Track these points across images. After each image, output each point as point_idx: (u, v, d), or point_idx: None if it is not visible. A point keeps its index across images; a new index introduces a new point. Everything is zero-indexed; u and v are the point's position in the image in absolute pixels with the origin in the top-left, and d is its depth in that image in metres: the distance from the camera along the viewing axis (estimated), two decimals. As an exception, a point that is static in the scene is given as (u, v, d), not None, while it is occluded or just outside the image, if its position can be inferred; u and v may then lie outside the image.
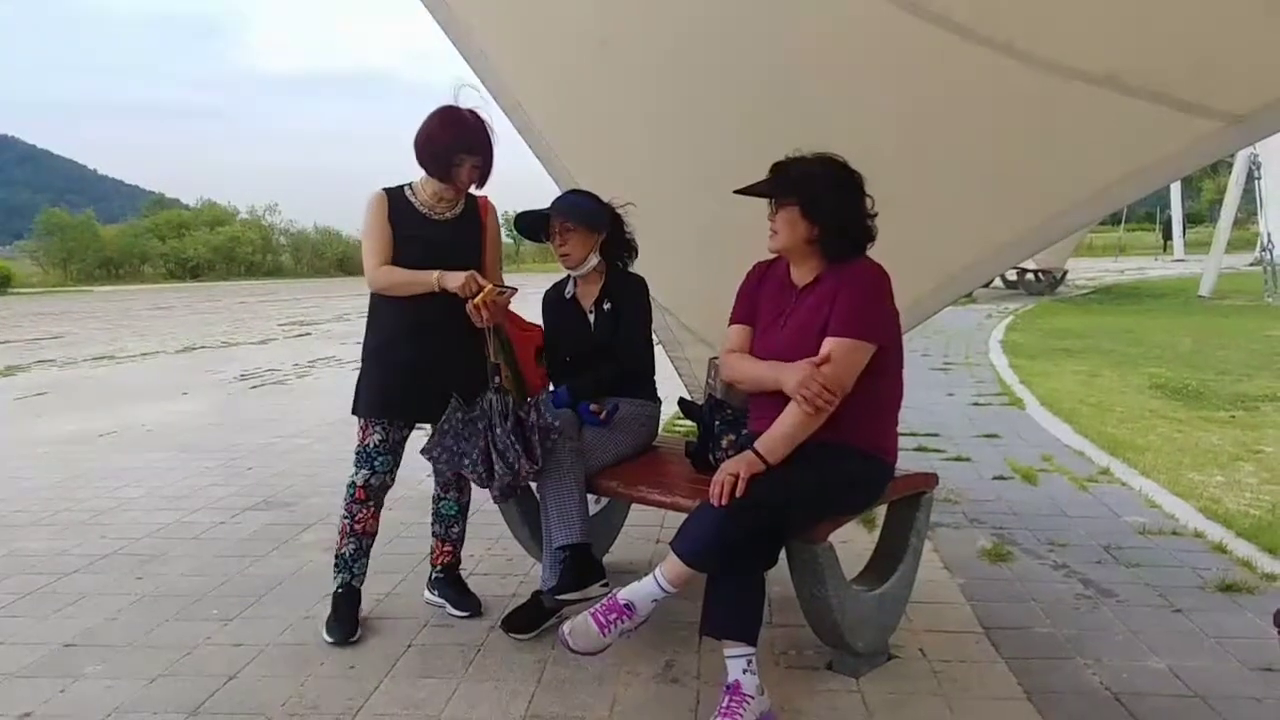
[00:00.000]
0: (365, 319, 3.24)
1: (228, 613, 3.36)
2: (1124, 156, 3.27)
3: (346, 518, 3.16)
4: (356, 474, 3.14)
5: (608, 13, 3.57)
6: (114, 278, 41.31)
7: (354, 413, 3.17)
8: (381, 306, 3.14)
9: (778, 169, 2.74)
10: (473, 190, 3.17)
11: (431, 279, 2.97)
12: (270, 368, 10.90)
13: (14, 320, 20.04)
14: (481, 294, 2.92)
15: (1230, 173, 19.58)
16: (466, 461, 3.01)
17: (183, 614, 3.36)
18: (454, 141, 3.00)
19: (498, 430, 2.97)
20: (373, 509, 3.16)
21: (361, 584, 3.21)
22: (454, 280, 2.95)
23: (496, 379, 3.06)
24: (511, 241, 40.60)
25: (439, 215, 3.12)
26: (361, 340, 3.25)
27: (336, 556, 3.19)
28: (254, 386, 9.46)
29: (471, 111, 3.04)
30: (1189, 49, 2.82)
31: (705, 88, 3.66)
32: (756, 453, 2.54)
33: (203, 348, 13.60)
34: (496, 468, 2.96)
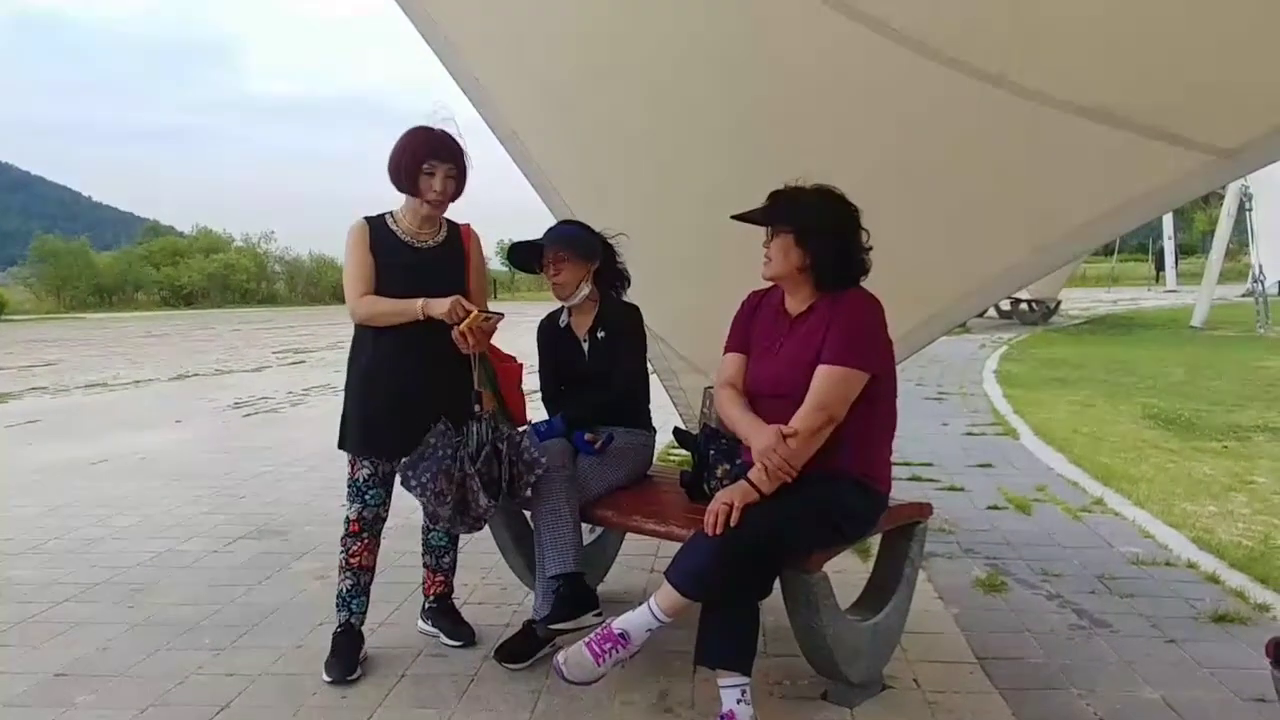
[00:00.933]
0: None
1: (219, 642, 3.34)
2: (1114, 189, 3.31)
3: (342, 552, 3.14)
4: (349, 508, 3.13)
5: (605, 41, 3.61)
6: (108, 305, 41.24)
7: (340, 448, 3.15)
8: (363, 338, 3.12)
9: (774, 198, 2.77)
10: (455, 220, 3.17)
11: (416, 307, 2.95)
12: (264, 395, 10.88)
13: (7, 347, 19.97)
14: (467, 320, 2.91)
15: (1222, 204, 19.72)
16: (414, 483, 2.93)
17: (174, 643, 3.34)
18: (420, 149, 2.99)
19: (465, 463, 2.93)
20: (367, 541, 3.14)
21: (362, 623, 3.18)
22: (440, 307, 2.92)
23: (478, 406, 3.05)
24: (507, 270, 40.66)
25: (420, 243, 3.11)
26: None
27: (337, 595, 3.17)
28: (247, 414, 9.44)
29: (442, 131, 3.03)
30: (1179, 83, 2.86)
31: (701, 117, 3.70)
32: (750, 482, 2.55)
33: (196, 375, 13.58)
34: (451, 500, 2.92)
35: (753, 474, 2.57)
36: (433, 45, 3.75)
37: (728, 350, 2.94)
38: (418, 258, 3.08)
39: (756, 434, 2.62)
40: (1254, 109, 2.85)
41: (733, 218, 2.80)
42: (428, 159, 2.99)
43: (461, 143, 3.06)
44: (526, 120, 4.06)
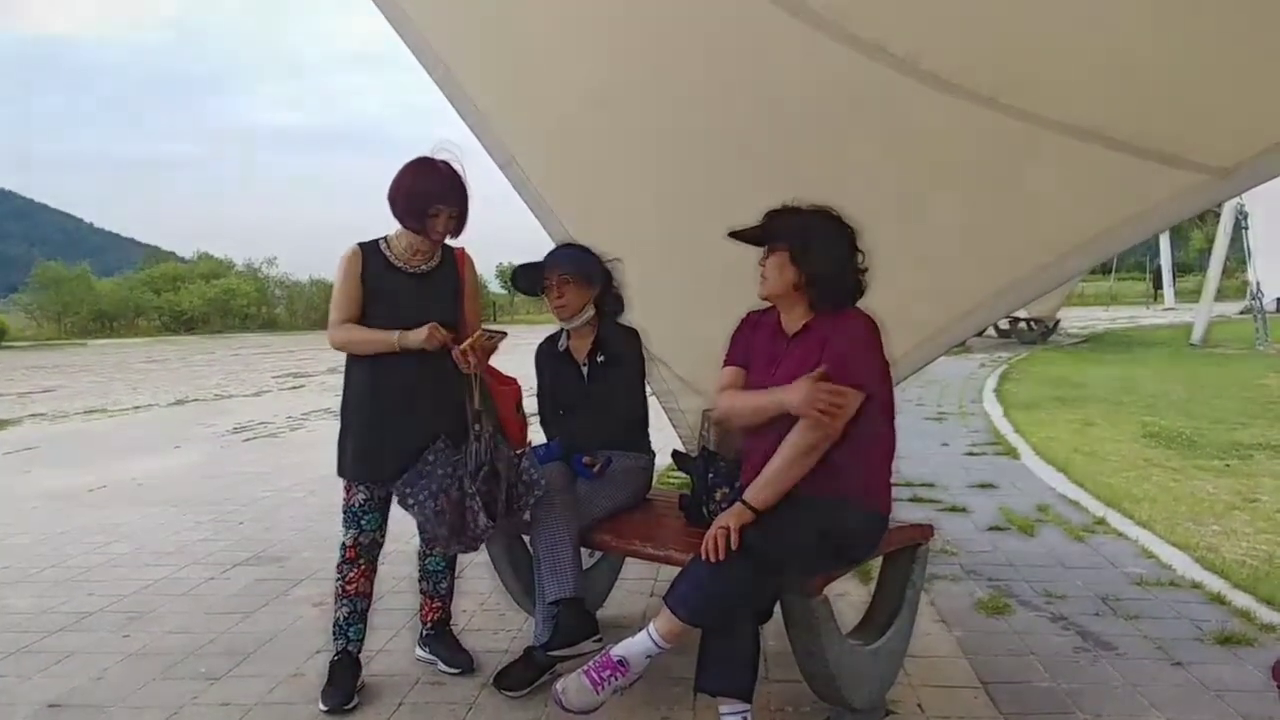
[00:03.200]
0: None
1: (215, 671, 3.31)
2: (1110, 208, 3.31)
3: (338, 579, 3.12)
4: (345, 534, 3.10)
5: (604, 68, 3.62)
6: (109, 331, 41.30)
7: (339, 474, 3.13)
8: (354, 364, 3.10)
9: (770, 216, 2.77)
10: (449, 242, 3.16)
11: (392, 339, 2.96)
12: (263, 420, 10.86)
13: (7, 374, 19.97)
14: (469, 339, 2.91)
15: (1218, 222, 19.79)
16: (411, 501, 2.93)
17: (170, 672, 3.31)
18: (428, 192, 2.98)
19: (465, 482, 2.92)
20: (364, 568, 3.12)
21: (359, 650, 3.15)
22: (416, 337, 2.93)
23: (477, 426, 3.03)
24: (506, 293, 40.70)
25: (414, 268, 3.10)
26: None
27: (333, 622, 3.15)
28: (247, 439, 9.42)
29: (444, 162, 3.03)
30: (1172, 104, 2.87)
31: (700, 142, 3.71)
32: (745, 504, 2.53)
33: (196, 400, 13.56)
34: (448, 519, 2.91)
35: (748, 492, 2.55)
36: (433, 75, 3.76)
37: (726, 364, 2.92)
38: (412, 283, 3.08)
39: (789, 392, 2.56)
40: (1247, 128, 2.85)
41: (729, 235, 2.80)
42: (435, 204, 2.99)
43: (466, 180, 3.06)
44: (525, 147, 4.07)
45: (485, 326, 3.03)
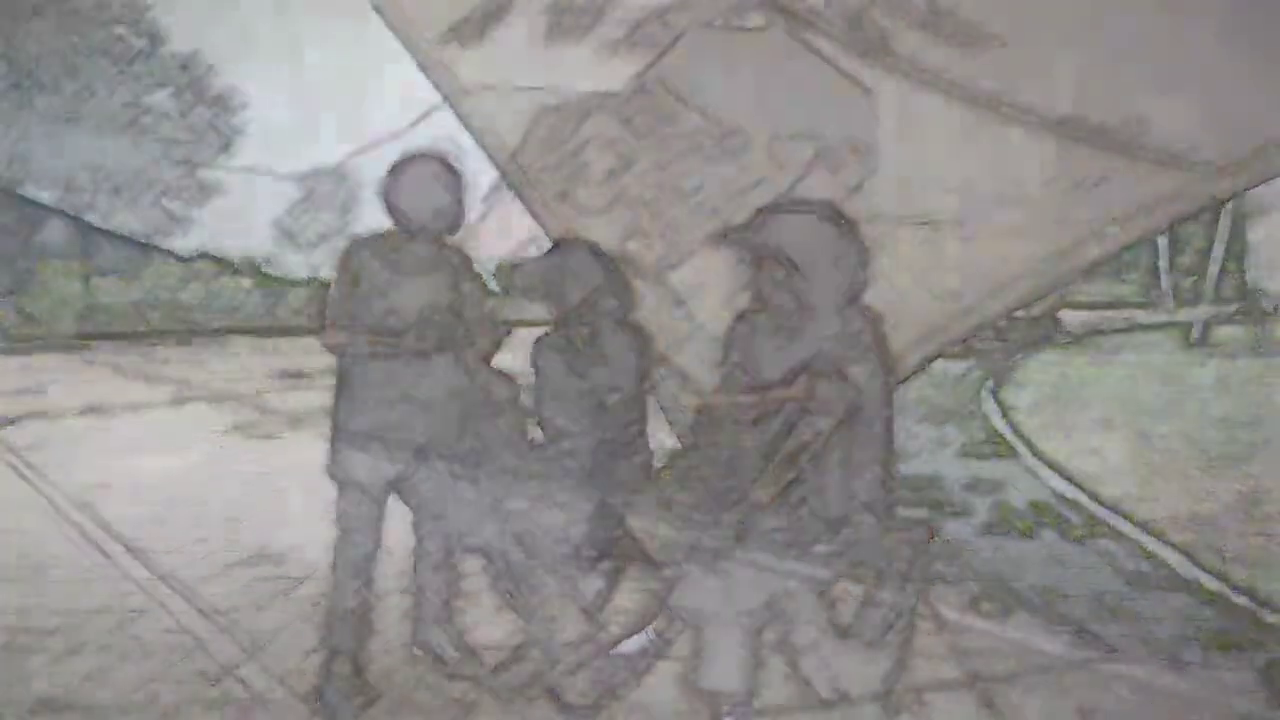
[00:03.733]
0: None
1: (213, 670, 3.31)
2: (1109, 209, 3.31)
3: (335, 580, 3.11)
4: (340, 534, 3.10)
5: (605, 68, 3.62)
6: (108, 330, 41.35)
7: (334, 474, 3.12)
8: (350, 363, 3.09)
9: (762, 214, 2.76)
10: (447, 240, 3.16)
11: (388, 341, 2.97)
12: (263, 420, 10.84)
13: (5, 373, 19.94)
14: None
15: (1217, 222, 19.79)
16: (412, 500, 2.95)
17: (167, 672, 3.31)
18: (425, 191, 3.00)
19: (465, 480, 2.93)
20: (360, 567, 3.11)
21: (358, 650, 3.14)
22: (408, 340, 2.95)
23: (476, 424, 3.02)
24: (503, 293, 40.75)
25: (411, 267, 3.09)
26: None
27: (332, 621, 3.14)
28: (246, 438, 9.40)
29: (443, 161, 3.03)
30: (1173, 102, 2.87)
31: (699, 140, 3.70)
32: (745, 502, 2.53)
33: (196, 400, 13.53)
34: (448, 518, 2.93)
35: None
36: (430, 77, 3.75)
37: (724, 364, 2.92)
38: (409, 281, 3.07)
39: (791, 389, 2.61)
40: (1246, 128, 2.85)
41: (718, 239, 2.80)
42: (432, 203, 2.99)
43: (461, 175, 3.06)
44: (525, 145, 4.06)
45: (491, 321, 3.03)
